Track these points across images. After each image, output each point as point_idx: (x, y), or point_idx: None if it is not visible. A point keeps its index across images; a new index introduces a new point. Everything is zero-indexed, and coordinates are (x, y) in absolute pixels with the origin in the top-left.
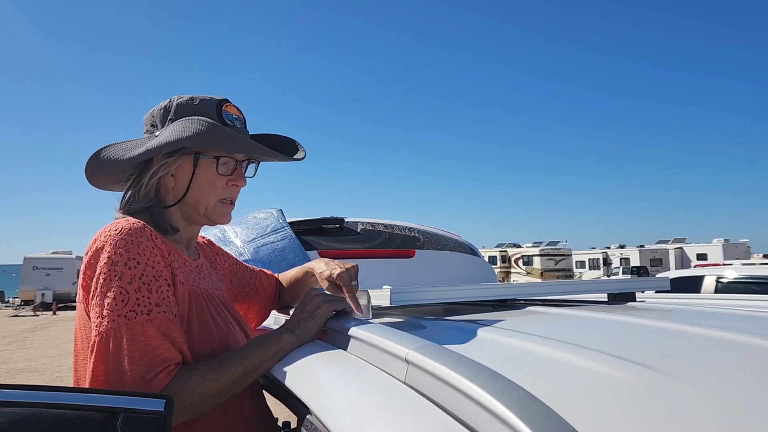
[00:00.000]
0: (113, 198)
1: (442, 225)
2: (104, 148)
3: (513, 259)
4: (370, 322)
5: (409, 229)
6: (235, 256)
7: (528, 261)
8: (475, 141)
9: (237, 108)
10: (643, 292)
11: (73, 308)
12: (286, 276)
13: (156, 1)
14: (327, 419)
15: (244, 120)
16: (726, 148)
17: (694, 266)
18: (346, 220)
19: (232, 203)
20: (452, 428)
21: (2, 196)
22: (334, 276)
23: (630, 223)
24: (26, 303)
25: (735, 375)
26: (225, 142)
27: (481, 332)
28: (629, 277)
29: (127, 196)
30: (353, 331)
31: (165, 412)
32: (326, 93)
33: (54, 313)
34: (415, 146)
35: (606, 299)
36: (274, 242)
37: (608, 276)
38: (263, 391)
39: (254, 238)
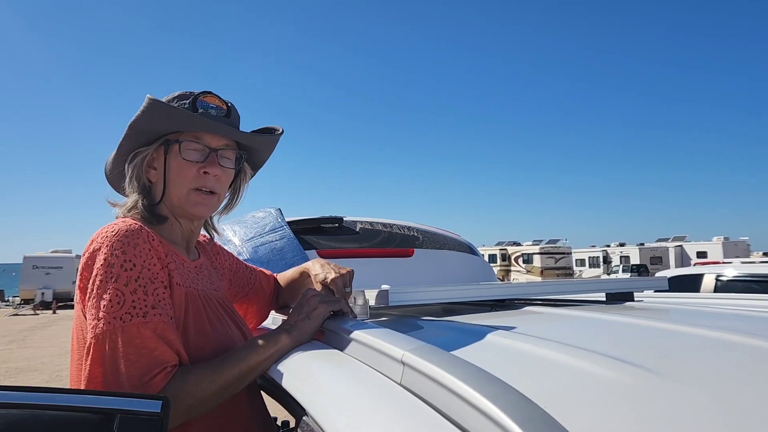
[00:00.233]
0: (112, 197)
1: (442, 224)
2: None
3: (513, 258)
4: (367, 323)
5: (408, 228)
6: (235, 255)
7: (528, 259)
8: (474, 139)
9: (220, 99)
10: (641, 291)
11: (73, 307)
12: (284, 277)
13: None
14: (323, 420)
15: (228, 110)
16: (726, 146)
17: (694, 264)
18: (344, 219)
19: (212, 193)
20: (447, 430)
21: (2, 195)
22: (328, 281)
23: (630, 221)
24: (26, 302)
25: (731, 376)
26: (163, 117)
27: (479, 333)
28: (629, 275)
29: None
30: (350, 332)
31: (162, 413)
32: (324, 91)
33: (54, 312)
34: (414, 145)
35: (604, 299)
36: (272, 241)
37: (608, 274)
38: (261, 391)
39: (253, 237)
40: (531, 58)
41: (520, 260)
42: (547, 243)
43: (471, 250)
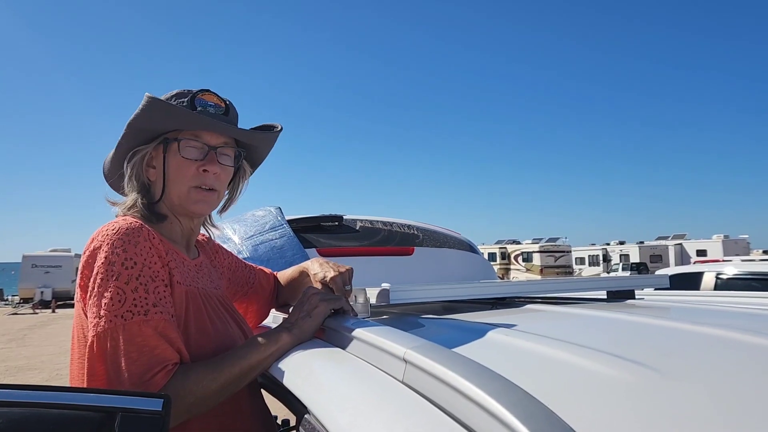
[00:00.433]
0: (112, 196)
1: (441, 222)
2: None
3: (512, 256)
4: (368, 321)
5: (408, 226)
6: (234, 253)
7: (527, 257)
8: (474, 138)
9: (218, 97)
10: (642, 289)
11: (73, 306)
12: (283, 275)
13: None
14: (325, 418)
15: (227, 108)
16: (725, 145)
17: (694, 262)
18: (344, 217)
19: (212, 190)
20: (450, 428)
21: (1, 193)
22: (328, 279)
23: (629, 219)
24: (25, 301)
25: (733, 373)
26: (162, 115)
27: (480, 331)
28: (629, 273)
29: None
30: (351, 330)
31: (163, 411)
32: (324, 89)
33: (53, 311)
34: (414, 143)
35: (605, 297)
36: (272, 240)
37: (608, 272)
38: (262, 390)
39: (252, 236)
40: (531, 57)
41: (520, 258)
42: (546, 241)
43: (471, 248)
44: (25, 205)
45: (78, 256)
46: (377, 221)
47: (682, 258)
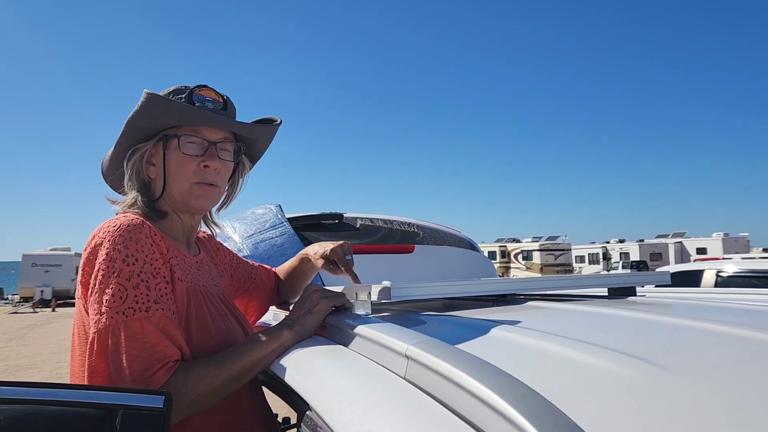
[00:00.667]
0: (111, 194)
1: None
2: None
3: (512, 254)
4: (369, 318)
5: (409, 224)
6: (235, 252)
7: (527, 256)
8: (474, 136)
9: (216, 92)
10: (643, 286)
11: (73, 305)
12: (283, 268)
13: None
14: (326, 415)
15: (224, 103)
16: (725, 143)
17: (694, 260)
18: (345, 215)
19: (213, 185)
20: (452, 424)
21: (1, 192)
22: (328, 252)
23: (629, 217)
24: (25, 300)
25: (735, 369)
26: (161, 111)
27: (482, 327)
28: (629, 271)
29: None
30: (353, 326)
31: (164, 408)
32: (324, 87)
33: (53, 310)
34: (414, 142)
35: (606, 294)
36: (272, 238)
37: (608, 270)
38: (263, 387)
39: (253, 234)
40: (531, 57)
41: (520, 257)
42: (546, 240)
43: (471, 246)
44: (25, 203)
45: (78, 255)
46: (378, 219)
47: (682, 256)
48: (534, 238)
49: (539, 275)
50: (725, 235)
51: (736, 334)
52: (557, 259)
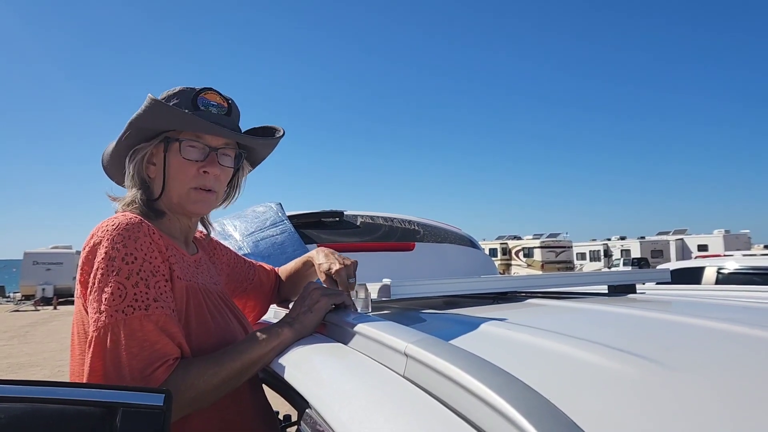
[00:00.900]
0: (112, 191)
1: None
2: (111, 143)
3: (513, 252)
4: (369, 316)
5: (409, 222)
6: (233, 250)
7: (528, 253)
8: (475, 133)
9: (221, 96)
10: (643, 283)
11: (74, 303)
12: (286, 268)
13: None
14: (326, 413)
15: (229, 107)
16: (727, 139)
17: (695, 257)
18: (345, 213)
19: (211, 191)
20: (451, 422)
21: (2, 190)
22: (332, 271)
23: (631, 214)
24: (27, 298)
25: (735, 366)
26: (163, 116)
27: (481, 325)
28: (630, 268)
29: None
30: (352, 324)
31: (164, 406)
32: (325, 85)
33: (55, 308)
34: (414, 139)
35: (606, 291)
36: (273, 236)
37: (609, 268)
38: (263, 385)
39: (253, 232)
40: (532, 53)
41: (521, 254)
42: (547, 237)
43: (472, 243)
44: (26, 202)
45: (79, 253)
46: (378, 217)
47: (683, 253)
48: (535, 235)
49: (540, 273)
50: (726, 232)
51: (736, 331)
52: (558, 257)
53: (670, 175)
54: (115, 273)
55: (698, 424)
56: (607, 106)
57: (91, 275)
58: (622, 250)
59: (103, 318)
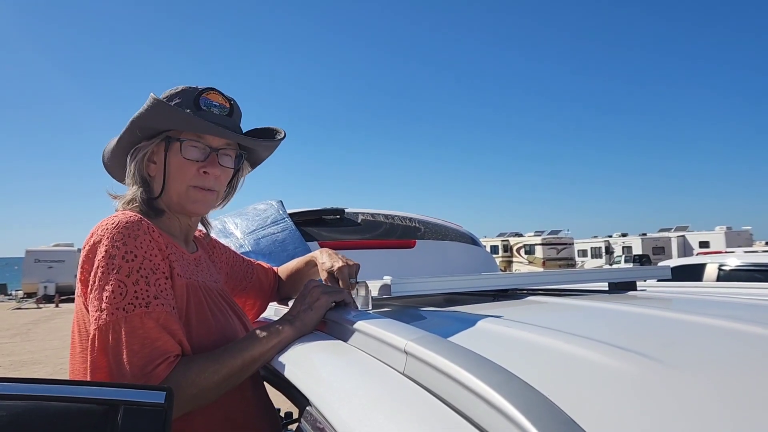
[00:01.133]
0: (113, 189)
1: (443, 215)
2: (112, 140)
3: (515, 249)
4: (369, 313)
5: (410, 219)
6: (233, 249)
7: (530, 250)
8: (476, 130)
9: (223, 96)
10: (644, 281)
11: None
12: (288, 267)
13: None
14: (326, 410)
15: (231, 108)
16: (729, 136)
17: (697, 254)
18: (346, 210)
19: (211, 191)
20: (451, 419)
21: (3, 188)
22: (335, 269)
23: (632, 211)
24: (29, 295)
25: (735, 364)
26: (165, 116)
27: (481, 323)
28: (631, 265)
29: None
30: (352, 322)
31: (165, 404)
32: (326, 81)
33: (57, 306)
34: (415, 136)
35: (607, 288)
36: (274, 233)
37: (610, 264)
38: (265, 382)
39: (254, 230)
40: (535, 50)
41: (522, 251)
42: (549, 234)
43: (473, 241)
44: (28, 199)
45: (80, 250)
46: (379, 214)
47: (685, 250)
48: (536, 232)
49: (541, 270)
50: (728, 228)
51: (737, 328)
52: (559, 254)
53: (672, 171)
54: (115, 271)
55: (698, 423)
56: (608, 103)
57: (92, 273)
58: (623, 247)
59: (104, 316)
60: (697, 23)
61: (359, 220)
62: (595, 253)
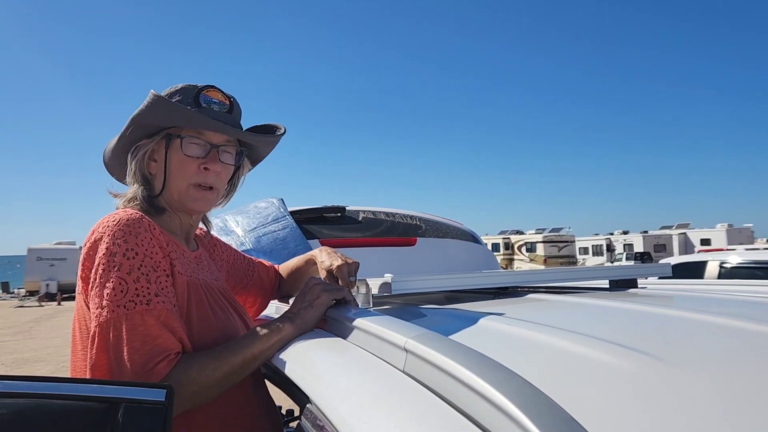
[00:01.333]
0: (114, 188)
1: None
2: (112, 139)
3: (516, 246)
4: (369, 311)
5: (411, 217)
6: (233, 247)
7: (531, 248)
8: (477, 128)
9: (223, 93)
10: (645, 278)
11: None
12: (288, 265)
13: None
14: (326, 408)
15: (231, 105)
16: (730, 134)
17: (698, 251)
18: (347, 208)
19: (212, 189)
20: (450, 417)
21: (5, 187)
22: (334, 268)
23: (633, 208)
24: (31, 294)
25: (736, 361)
26: (165, 113)
27: (482, 320)
28: (633, 263)
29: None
30: (353, 320)
31: (166, 402)
32: (327, 78)
33: (59, 304)
34: (416, 134)
35: (608, 286)
36: (275, 231)
37: (612, 262)
38: (265, 380)
39: (255, 228)
40: (536, 47)
41: (523, 249)
42: (550, 231)
43: (474, 238)
44: (30, 198)
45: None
46: (380, 212)
47: (686, 247)
48: (537, 230)
49: (542, 267)
50: (729, 226)
51: (737, 326)
52: (561, 251)
53: (674, 169)
54: (116, 268)
55: (699, 420)
56: (610, 100)
57: (93, 271)
58: (624, 245)
59: (104, 313)
60: (699, 21)
61: (360, 218)
62: (597, 251)
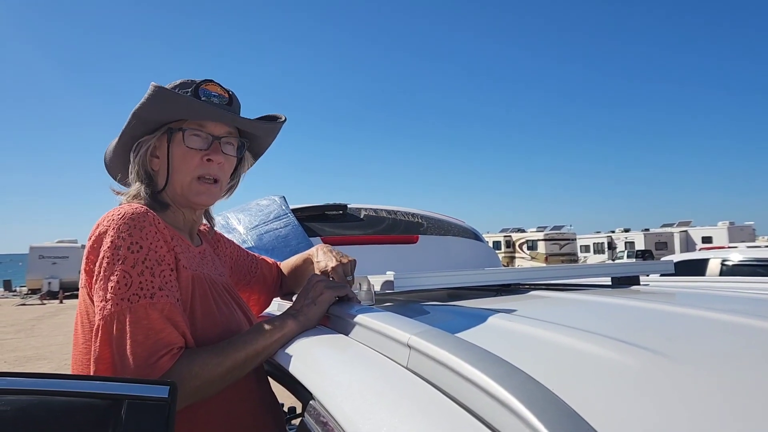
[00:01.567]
0: (116, 186)
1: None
2: (113, 141)
3: (517, 244)
4: (372, 308)
5: (413, 214)
6: (237, 243)
7: (532, 246)
8: (479, 127)
9: (222, 87)
10: (647, 275)
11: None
12: (287, 264)
13: None
14: (329, 404)
15: (230, 98)
16: (732, 131)
17: (699, 249)
18: (349, 206)
19: (216, 182)
20: (454, 412)
21: (7, 185)
22: (329, 268)
23: (635, 206)
24: (33, 292)
25: (737, 358)
26: (167, 104)
27: (484, 317)
28: (634, 260)
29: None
30: (356, 316)
31: (169, 398)
32: (330, 76)
33: (61, 302)
34: (418, 132)
35: (610, 283)
36: (277, 229)
37: (613, 260)
38: (268, 377)
39: (257, 225)
40: (535, 45)
41: (525, 247)
42: (551, 229)
43: (476, 236)
44: (31, 196)
45: (84, 246)
46: (381, 210)
47: (688, 245)
48: (539, 227)
49: (544, 265)
50: (731, 223)
51: (739, 322)
52: (562, 249)
53: (675, 167)
54: (120, 262)
55: (702, 416)
56: (612, 99)
57: (97, 264)
58: (626, 243)
59: (108, 306)
60: (703, 19)
61: (362, 216)
62: (598, 249)
